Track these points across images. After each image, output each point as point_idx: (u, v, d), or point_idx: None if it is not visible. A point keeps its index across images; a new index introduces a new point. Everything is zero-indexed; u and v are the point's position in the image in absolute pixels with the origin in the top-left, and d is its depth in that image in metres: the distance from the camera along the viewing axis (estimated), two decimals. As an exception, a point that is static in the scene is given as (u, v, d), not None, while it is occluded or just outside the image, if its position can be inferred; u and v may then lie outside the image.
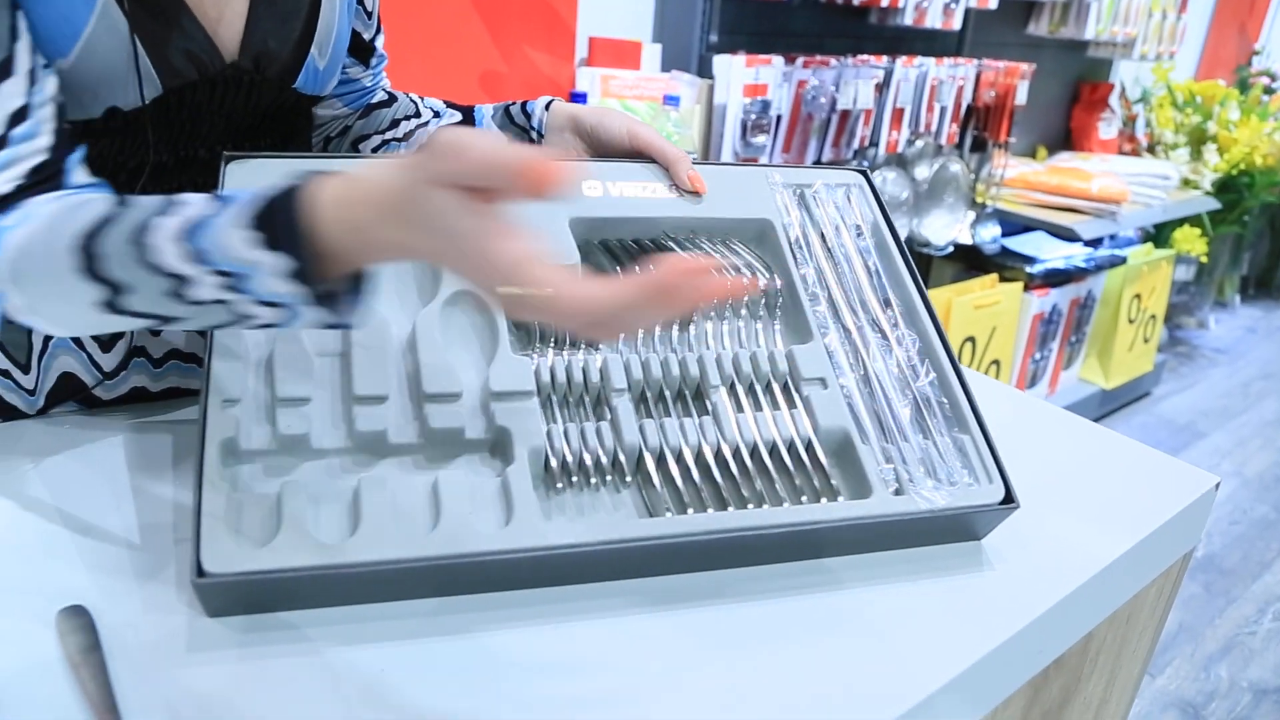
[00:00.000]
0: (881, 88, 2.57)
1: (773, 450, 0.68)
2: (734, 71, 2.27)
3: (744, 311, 0.77)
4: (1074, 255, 3.01)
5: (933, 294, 2.64)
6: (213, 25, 0.72)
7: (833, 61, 2.45)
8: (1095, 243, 3.13)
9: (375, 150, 0.94)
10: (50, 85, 0.63)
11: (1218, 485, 0.87)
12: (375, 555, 0.55)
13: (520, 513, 0.59)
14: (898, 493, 0.67)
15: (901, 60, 2.58)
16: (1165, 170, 3.14)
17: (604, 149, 0.85)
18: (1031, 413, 0.96)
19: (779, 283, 0.78)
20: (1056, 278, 2.95)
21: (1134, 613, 0.85)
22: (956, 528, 0.69)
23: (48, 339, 0.78)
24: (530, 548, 0.57)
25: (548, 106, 0.88)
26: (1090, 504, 0.79)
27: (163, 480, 0.68)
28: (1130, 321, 3.21)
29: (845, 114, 2.49)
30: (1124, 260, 3.11)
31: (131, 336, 0.80)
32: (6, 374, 0.79)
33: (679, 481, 0.65)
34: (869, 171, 0.88)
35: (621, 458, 0.65)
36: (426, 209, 0.47)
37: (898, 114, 2.62)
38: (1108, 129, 3.43)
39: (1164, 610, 0.92)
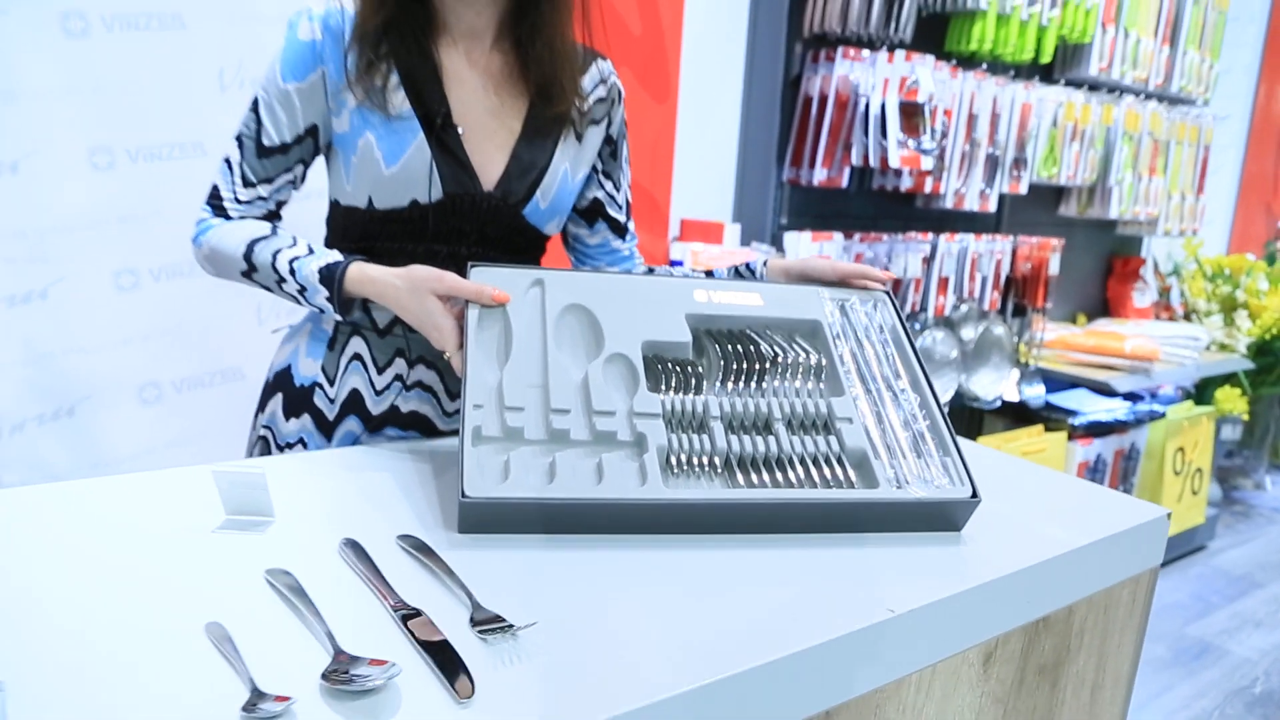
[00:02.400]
0: (928, 260, 2.95)
1: (814, 460, 1.01)
2: (802, 246, 2.68)
3: (799, 377, 1.11)
4: (1115, 409, 3.27)
5: (980, 441, 2.92)
6: (479, 167, 1.19)
7: (885, 238, 2.85)
8: (1135, 398, 3.39)
9: None
10: (292, 172, 1.21)
11: (1169, 515, 1.16)
12: (565, 495, 0.89)
13: (651, 481, 0.92)
14: (897, 488, 0.99)
15: (944, 237, 2.97)
16: (1196, 333, 3.42)
17: (814, 284, 1.24)
18: (1018, 467, 1.27)
19: (822, 360, 1.13)
20: (1099, 429, 3.20)
21: (1110, 605, 1.11)
22: (940, 515, 1.00)
23: (348, 364, 1.22)
24: (657, 499, 0.90)
25: (765, 264, 1.28)
26: (1057, 519, 1.09)
27: (418, 479, 1.04)
28: (1176, 474, 3.42)
29: (897, 282, 2.87)
30: (1163, 415, 3.36)
31: (390, 363, 1.22)
32: (320, 386, 1.22)
33: (753, 475, 0.98)
34: (895, 298, 1.24)
35: (715, 459, 0.99)
36: (423, 303, 1.05)
37: (943, 282, 2.99)
38: (1142, 298, 3.75)
39: (1141, 615, 1.18)
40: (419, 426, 1.23)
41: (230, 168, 1.19)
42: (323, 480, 1.03)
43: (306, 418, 1.22)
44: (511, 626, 0.72)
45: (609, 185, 1.33)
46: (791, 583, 0.88)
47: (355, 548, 0.84)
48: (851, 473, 1.01)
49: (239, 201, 1.18)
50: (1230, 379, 3.72)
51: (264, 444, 1.26)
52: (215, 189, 1.19)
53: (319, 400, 1.22)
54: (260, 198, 1.19)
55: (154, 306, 1.88)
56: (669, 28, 2.52)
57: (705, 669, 0.71)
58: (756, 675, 0.73)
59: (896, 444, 1.05)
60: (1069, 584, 1.04)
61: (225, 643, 0.67)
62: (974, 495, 1.00)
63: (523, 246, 1.26)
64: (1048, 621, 1.03)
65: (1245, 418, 3.76)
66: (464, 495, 0.87)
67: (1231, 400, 3.65)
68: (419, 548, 0.85)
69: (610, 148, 1.32)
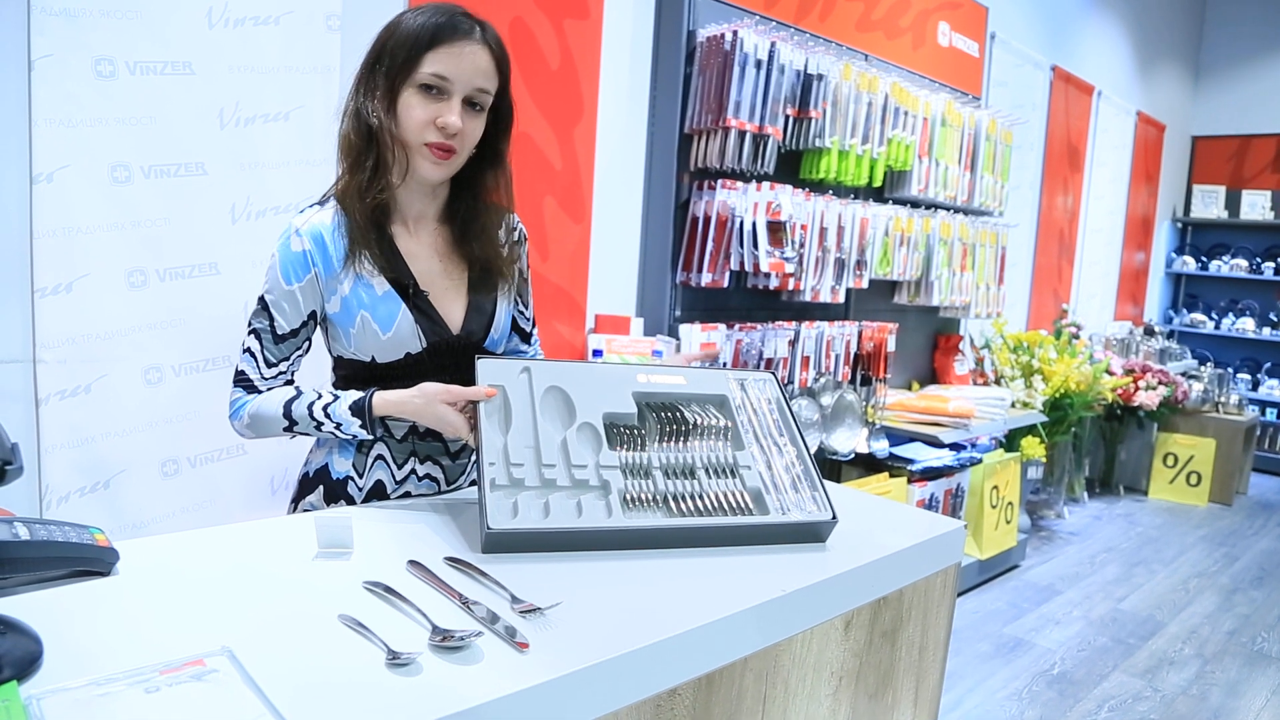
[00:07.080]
0: (793, 343, 3.31)
1: (726, 496, 1.30)
2: (693, 335, 2.99)
3: (713, 438, 1.40)
4: (943, 457, 3.67)
5: (838, 486, 3.26)
6: (447, 317, 1.42)
7: (758, 326, 3.19)
8: (959, 448, 3.81)
9: None
10: (302, 347, 1.41)
11: (965, 526, 1.48)
12: (555, 525, 1.15)
13: (615, 514, 1.20)
14: (783, 514, 1.29)
15: (805, 324, 3.34)
16: (1002, 394, 3.88)
17: None
18: (864, 499, 1.59)
19: (729, 424, 1.42)
20: (932, 473, 3.59)
21: (928, 589, 1.42)
22: (811, 532, 1.30)
23: (374, 462, 1.43)
24: (620, 527, 1.18)
25: None
26: (889, 532, 1.40)
27: (441, 522, 1.29)
28: (992, 507, 3.84)
29: (769, 360, 3.22)
30: (980, 460, 3.78)
31: (406, 461, 1.45)
32: (352, 479, 1.43)
33: (684, 506, 1.27)
34: (778, 378, 1.55)
35: (658, 497, 1.27)
36: (435, 410, 1.28)
37: (805, 360, 3.35)
38: (961, 368, 4.21)
39: (950, 596, 1.49)
40: None
41: (253, 356, 1.36)
42: (378, 527, 1.27)
43: (342, 503, 1.43)
44: (541, 609, 0.98)
45: (519, 304, 1.58)
46: (715, 577, 1.16)
47: (418, 565, 1.09)
48: (751, 504, 1.30)
49: (264, 379, 1.37)
50: (1031, 430, 4.20)
51: None
52: (243, 373, 1.37)
53: (351, 489, 1.44)
54: (281, 373, 1.38)
55: (175, 397, 2.07)
56: (584, 164, 2.84)
57: (663, 630, 0.98)
58: (696, 634, 1.01)
59: (781, 483, 1.35)
60: (899, 574, 1.35)
61: (357, 625, 0.91)
62: (834, 518, 1.31)
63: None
64: (886, 600, 1.33)
65: (1044, 460, 4.24)
66: (488, 528, 1.13)
67: (1033, 447, 4.12)
68: (463, 563, 1.10)
69: (521, 278, 1.57)
